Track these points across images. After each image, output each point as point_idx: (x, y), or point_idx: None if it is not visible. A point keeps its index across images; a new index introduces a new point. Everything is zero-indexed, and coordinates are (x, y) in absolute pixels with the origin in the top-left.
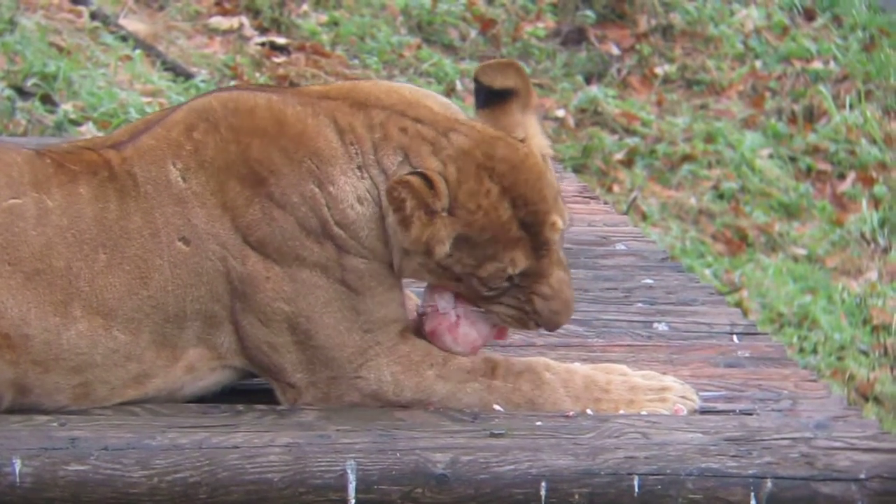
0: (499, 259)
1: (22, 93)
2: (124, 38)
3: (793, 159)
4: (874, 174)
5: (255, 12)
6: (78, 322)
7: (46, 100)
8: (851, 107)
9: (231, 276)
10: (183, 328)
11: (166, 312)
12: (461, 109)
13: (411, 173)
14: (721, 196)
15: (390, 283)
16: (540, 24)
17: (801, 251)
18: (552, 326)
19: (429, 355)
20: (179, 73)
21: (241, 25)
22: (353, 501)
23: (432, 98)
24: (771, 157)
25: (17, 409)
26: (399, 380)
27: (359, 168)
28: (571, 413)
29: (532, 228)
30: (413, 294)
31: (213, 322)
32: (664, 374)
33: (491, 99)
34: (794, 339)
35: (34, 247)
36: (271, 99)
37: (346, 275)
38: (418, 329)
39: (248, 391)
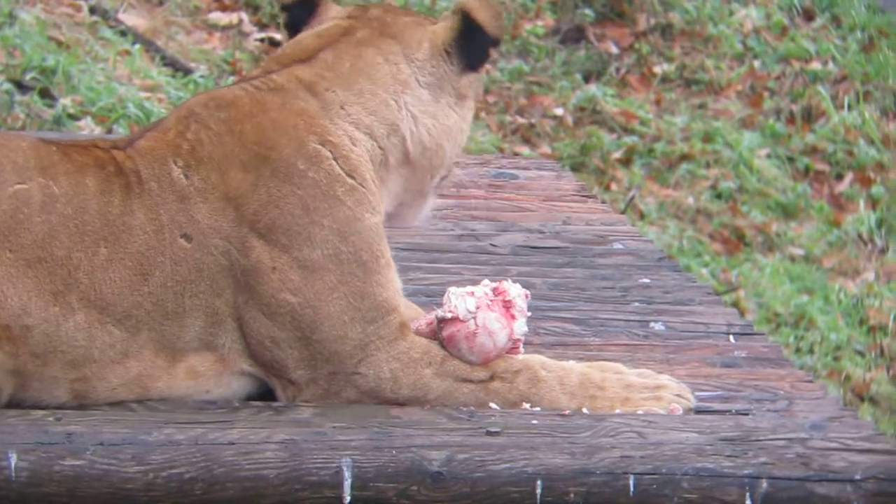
0: None
1: (21, 87)
2: (123, 33)
3: (791, 159)
4: (872, 175)
5: (254, 8)
6: (76, 313)
7: (45, 94)
8: (850, 107)
9: (234, 270)
10: (183, 326)
11: (165, 309)
12: None
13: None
14: (719, 196)
15: (388, 257)
16: (539, 23)
17: (799, 251)
18: None
19: (427, 353)
20: (178, 68)
21: (241, 21)
22: (348, 498)
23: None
24: (769, 157)
25: (16, 404)
26: (397, 377)
27: (342, 107)
28: (567, 411)
29: None
30: (415, 305)
31: (215, 320)
32: (661, 373)
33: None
34: (791, 340)
35: (37, 234)
36: (245, 88)
37: (357, 244)
38: (433, 333)
39: None
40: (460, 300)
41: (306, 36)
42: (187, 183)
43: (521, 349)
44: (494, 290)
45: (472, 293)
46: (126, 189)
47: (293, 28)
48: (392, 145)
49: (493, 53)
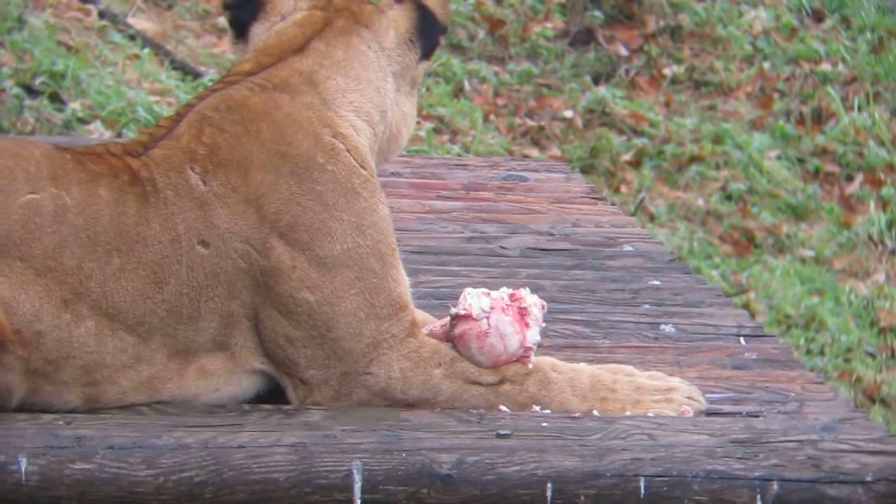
0: None
1: (30, 91)
2: (132, 37)
3: (801, 161)
4: (882, 176)
5: None
6: (87, 320)
7: (55, 98)
8: (860, 108)
9: (253, 272)
10: (197, 330)
11: (180, 314)
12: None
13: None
14: (729, 197)
15: (398, 254)
16: (548, 25)
17: (809, 253)
18: None
19: (437, 353)
20: (188, 72)
21: None
22: (358, 502)
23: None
24: (779, 158)
25: (27, 408)
26: (407, 377)
27: (343, 95)
28: (578, 414)
29: None
30: (425, 312)
31: (230, 321)
32: (671, 375)
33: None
34: (801, 341)
35: (47, 244)
36: (251, 87)
37: (375, 236)
38: (447, 335)
39: None
40: (476, 299)
41: (286, 26)
42: (206, 189)
43: (532, 358)
44: (511, 295)
45: (489, 294)
46: (141, 199)
47: (238, 25)
48: (380, 132)
49: (442, 41)
